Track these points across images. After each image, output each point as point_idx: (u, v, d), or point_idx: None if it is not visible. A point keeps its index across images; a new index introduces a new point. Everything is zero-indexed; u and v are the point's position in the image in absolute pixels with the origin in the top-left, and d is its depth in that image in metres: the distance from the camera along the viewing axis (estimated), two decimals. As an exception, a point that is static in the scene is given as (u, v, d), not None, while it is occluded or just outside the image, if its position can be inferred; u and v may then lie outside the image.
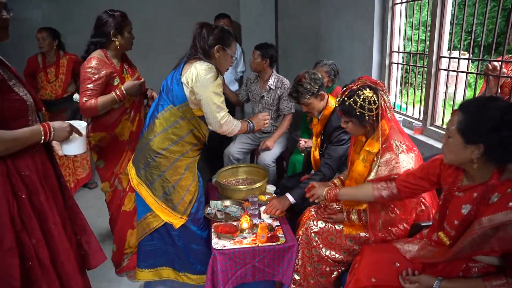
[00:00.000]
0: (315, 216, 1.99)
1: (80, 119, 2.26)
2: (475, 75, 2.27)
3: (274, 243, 1.92)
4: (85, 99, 2.10)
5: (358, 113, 1.74)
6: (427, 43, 2.36)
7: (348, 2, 3.03)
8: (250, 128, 2.06)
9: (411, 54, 2.60)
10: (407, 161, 1.66)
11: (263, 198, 2.35)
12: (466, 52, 3.78)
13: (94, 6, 3.95)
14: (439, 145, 2.27)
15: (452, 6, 2.18)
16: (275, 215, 2.13)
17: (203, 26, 1.92)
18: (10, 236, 1.33)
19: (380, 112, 1.74)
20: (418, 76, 2.56)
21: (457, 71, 2.19)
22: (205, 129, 2.00)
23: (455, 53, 2.29)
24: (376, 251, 1.60)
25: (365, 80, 1.80)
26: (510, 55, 2.17)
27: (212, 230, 2.03)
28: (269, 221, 2.12)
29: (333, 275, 1.91)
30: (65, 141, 1.52)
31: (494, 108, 1.19)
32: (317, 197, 1.90)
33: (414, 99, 2.61)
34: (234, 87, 3.84)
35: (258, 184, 2.37)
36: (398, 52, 2.70)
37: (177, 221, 1.99)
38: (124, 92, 2.16)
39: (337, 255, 1.87)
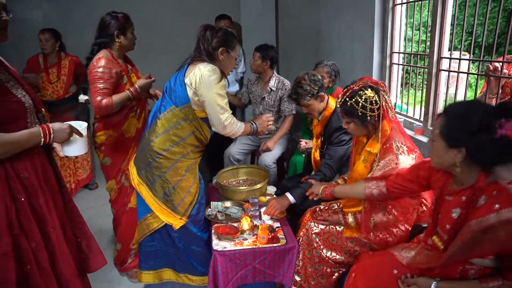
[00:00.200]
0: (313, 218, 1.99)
1: (88, 120, 2.29)
2: (476, 75, 2.27)
3: (274, 245, 1.91)
4: (99, 98, 2.14)
5: (360, 114, 1.74)
6: (428, 43, 2.35)
7: (348, 2, 3.02)
8: (253, 129, 2.06)
9: (412, 55, 2.60)
10: (407, 162, 1.66)
11: (264, 199, 2.35)
12: (466, 53, 3.78)
13: (94, 6, 3.96)
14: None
15: (453, 7, 2.18)
16: (275, 215, 2.13)
17: (206, 28, 1.92)
18: (6, 241, 1.31)
19: (381, 112, 1.74)
20: (419, 76, 2.56)
21: (458, 72, 2.19)
22: (207, 131, 1.99)
23: (456, 54, 2.29)
24: (373, 259, 1.61)
25: (367, 81, 1.80)
26: (511, 55, 2.17)
27: (213, 231, 2.02)
28: (270, 222, 2.12)
29: (334, 276, 1.91)
30: (66, 142, 1.50)
31: (474, 112, 1.21)
32: (315, 195, 1.94)
33: (414, 100, 2.61)
34: (235, 88, 3.83)
35: (258, 185, 2.36)
36: (399, 52, 2.70)
37: (177, 222, 1.98)
38: (138, 90, 2.26)
39: (338, 256, 1.87)
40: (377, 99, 1.74)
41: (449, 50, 2.28)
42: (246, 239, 1.97)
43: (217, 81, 1.82)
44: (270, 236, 1.95)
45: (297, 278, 1.96)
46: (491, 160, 1.22)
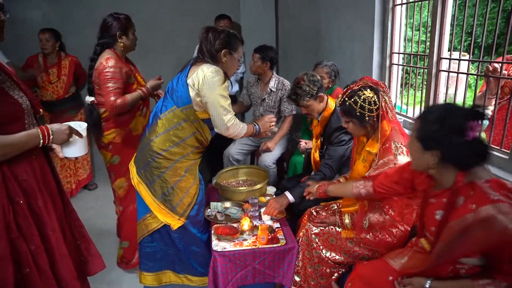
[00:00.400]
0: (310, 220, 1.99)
1: (98, 121, 2.32)
2: (475, 76, 2.27)
3: (274, 245, 1.92)
4: (113, 98, 2.20)
5: (358, 114, 1.75)
6: (427, 44, 2.35)
7: (348, 3, 3.02)
8: (256, 130, 2.06)
9: (412, 55, 2.60)
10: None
11: (263, 199, 2.35)
12: (466, 53, 3.77)
13: (94, 6, 3.96)
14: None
15: (453, 7, 2.18)
16: (274, 215, 2.13)
17: (208, 30, 1.92)
18: (3, 244, 1.30)
19: (380, 113, 1.74)
20: (419, 77, 2.56)
21: (458, 73, 2.18)
22: (207, 133, 1.99)
23: (455, 54, 2.29)
24: (368, 267, 1.62)
25: (367, 81, 1.80)
26: (511, 55, 2.17)
27: (212, 232, 2.03)
28: (270, 222, 2.12)
29: (333, 277, 1.91)
30: (65, 143, 1.49)
31: (448, 115, 1.24)
32: (311, 194, 1.97)
33: (414, 100, 2.60)
34: (235, 88, 3.83)
35: (258, 186, 2.36)
36: (399, 53, 2.70)
37: (175, 223, 1.98)
38: (150, 90, 2.40)
39: (337, 257, 1.87)
40: (376, 100, 1.74)
41: (448, 51, 2.28)
42: (245, 239, 1.97)
43: (220, 83, 1.82)
44: (269, 237, 1.95)
45: (297, 279, 1.96)
46: (465, 161, 1.25)
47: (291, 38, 4.16)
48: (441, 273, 1.37)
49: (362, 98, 1.74)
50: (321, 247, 1.90)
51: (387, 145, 1.72)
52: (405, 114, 2.78)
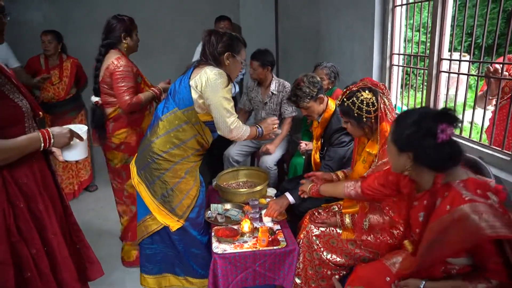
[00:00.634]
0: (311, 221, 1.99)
1: (101, 121, 2.34)
2: (475, 77, 2.27)
3: (275, 247, 1.91)
4: (127, 96, 2.27)
5: (355, 115, 1.76)
6: (428, 45, 2.35)
7: (348, 3, 3.01)
8: (259, 133, 2.06)
9: (412, 56, 2.59)
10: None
11: (264, 201, 2.34)
12: (466, 54, 3.77)
13: (94, 8, 3.96)
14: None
15: (453, 8, 2.17)
16: (275, 217, 2.13)
17: (211, 33, 1.92)
18: (4, 248, 1.30)
19: (379, 114, 1.74)
20: (419, 78, 2.55)
21: (458, 73, 2.18)
22: (209, 135, 1.99)
23: (455, 55, 2.28)
24: (366, 269, 1.63)
25: (366, 82, 1.81)
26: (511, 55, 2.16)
27: (213, 234, 2.02)
28: (270, 224, 2.12)
29: (334, 279, 1.91)
30: (66, 146, 1.48)
31: (420, 118, 1.26)
32: (305, 193, 2.01)
33: (415, 101, 2.60)
34: (232, 89, 3.81)
35: (258, 187, 2.36)
36: (399, 54, 2.69)
37: (174, 224, 1.98)
38: (162, 90, 2.49)
39: (338, 259, 1.87)
40: (374, 101, 1.75)
41: (449, 51, 2.27)
42: (246, 241, 1.97)
43: (223, 85, 1.82)
44: (270, 239, 1.95)
45: (298, 281, 1.96)
46: (437, 163, 1.27)
47: (291, 38, 4.16)
48: (434, 273, 1.39)
49: (360, 99, 1.75)
50: (322, 249, 1.90)
51: (386, 146, 1.72)
52: (405, 115, 2.77)
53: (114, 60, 2.26)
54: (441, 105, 2.42)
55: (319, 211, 2.04)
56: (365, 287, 1.55)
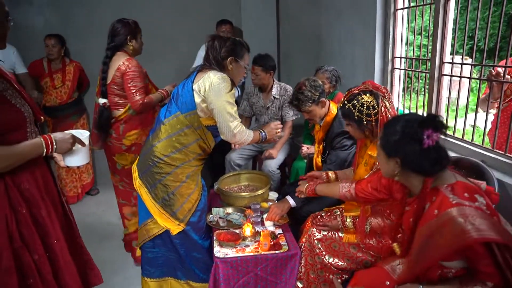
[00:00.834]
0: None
1: (107, 122, 2.35)
2: (477, 80, 2.26)
3: (277, 251, 1.90)
4: (139, 96, 2.34)
5: (356, 117, 1.76)
6: (429, 48, 2.35)
7: (349, 7, 3.02)
8: (262, 137, 2.05)
9: (413, 60, 2.59)
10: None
11: (266, 205, 2.34)
12: (467, 57, 3.76)
13: (96, 12, 3.97)
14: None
15: (454, 11, 2.18)
16: (276, 221, 2.12)
17: (214, 38, 1.93)
18: (7, 254, 1.30)
19: (380, 117, 1.74)
20: (421, 81, 2.55)
21: (460, 77, 2.18)
22: (211, 140, 1.99)
23: (457, 58, 2.28)
24: (366, 273, 1.63)
25: (368, 85, 1.81)
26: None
27: (214, 238, 2.02)
28: (272, 228, 2.11)
29: (336, 283, 1.90)
30: (68, 152, 1.47)
31: (407, 124, 1.28)
32: (302, 193, 2.03)
33: (416, 105, 2.60)
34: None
35: (260, 191, 2.35)
36: (400, 57, 2.69)
37: (175, 228, 1.98)
38: (168, 92, 2.56)
39: (340, 263, 1.86)
40: (375, 104, 1.74)
41: (450, 55, 2.27)
42: (248, 245, 1.96)
43: (227, 89, 1.82)
44: (272, 243, 1.94)
45: (300, 285, 1.95)
46: (425, 168, 1.28)
47: (292, 42, 4.16)
48: (431, 277, 1.38)
49: (360, 102, 1.75)
50: (323, 253, 1.89)
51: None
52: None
53: (125, 61, 2.32)
54: (443, 108, 2.42)
55: (321, 214, 2.03)
56: None
